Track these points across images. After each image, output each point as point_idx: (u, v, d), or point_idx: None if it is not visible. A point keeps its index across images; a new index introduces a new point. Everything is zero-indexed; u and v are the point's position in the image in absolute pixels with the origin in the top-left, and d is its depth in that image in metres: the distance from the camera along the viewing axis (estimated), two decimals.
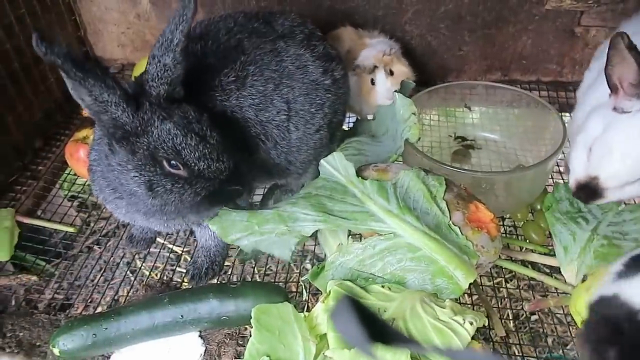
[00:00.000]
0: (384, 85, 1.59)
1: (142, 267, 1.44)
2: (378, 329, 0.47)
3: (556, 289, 1.29)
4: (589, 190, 1.17)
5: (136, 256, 1.48)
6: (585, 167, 1.17)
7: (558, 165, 1.62)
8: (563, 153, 1.57)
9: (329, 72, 1.38)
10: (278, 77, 1.28)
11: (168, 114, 1.03)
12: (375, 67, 1.58)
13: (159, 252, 1.48)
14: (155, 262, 1.46)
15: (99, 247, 1.54)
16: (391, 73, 1.60)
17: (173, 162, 1.03)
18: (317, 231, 1.21)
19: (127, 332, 1.12)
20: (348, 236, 1.25)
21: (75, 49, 1.98)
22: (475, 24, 1.84)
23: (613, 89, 1.16)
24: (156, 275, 1.42)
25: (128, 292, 1.36)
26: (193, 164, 1.03)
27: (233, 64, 1.24)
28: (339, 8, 1.81)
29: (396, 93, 1.44)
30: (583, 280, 1.15)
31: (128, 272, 1.44)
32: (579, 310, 1.13)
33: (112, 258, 1.46)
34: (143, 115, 1.02)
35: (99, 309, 1.30)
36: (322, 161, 1.26)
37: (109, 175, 1.11)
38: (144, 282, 1.36)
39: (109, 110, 1.00)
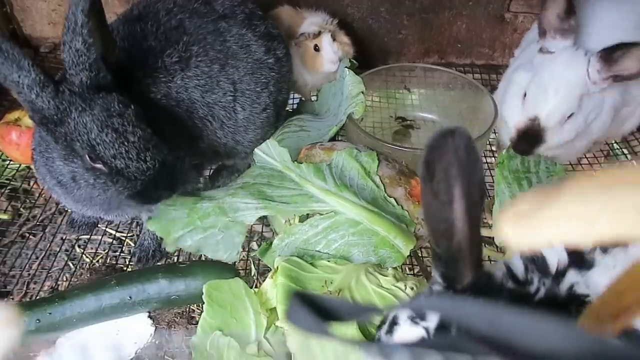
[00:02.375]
0: (330, 48, 1.59)
1: (84, 254, 1.40)
2: (330, 310, 0.49)
3: (489, 257, 1.39)
4: (530, 137, 1.26)
5: (76, 244, 1.44)
6: (522, 112, 1.26)
7: (490, 144, 1.72)
8: (494, 132, 1.67)
9: (271, 51, 1.39)
10: (223, 57, 1.27)
11: (89, 104, 0.96)
12: (320, 32, 1.60)
13: (101, 238, 1.45)
14: (97, 249, 1.42)
15: (34, 236, 1.48)
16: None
17: (92, 156, 0.98)
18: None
19: (73, 315, 1.10)
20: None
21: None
22: (413, 8, 1.90)
23: (541, 33, 1.27)
24: (98, 261, 1.38)
25: (69, 281, 1.32)
26: (109, 162, 0.98)
27: (176, 44, 1.21)
28: None
29: (347, 69, 1.47)
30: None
31: (68, 260, 1.40)
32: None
33: (49, 246, 1.41)
34: (60, 104, 0.96)
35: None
36: (256, 150, 1.27)
37: (47, 161, 1.07)
38: (88, 267, 1.33)
39: (22, 92, 0.95)
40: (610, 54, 1.20)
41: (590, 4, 1.43)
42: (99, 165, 0.99)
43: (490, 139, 1.72)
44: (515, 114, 1.29)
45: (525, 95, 1.27)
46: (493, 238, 1.38)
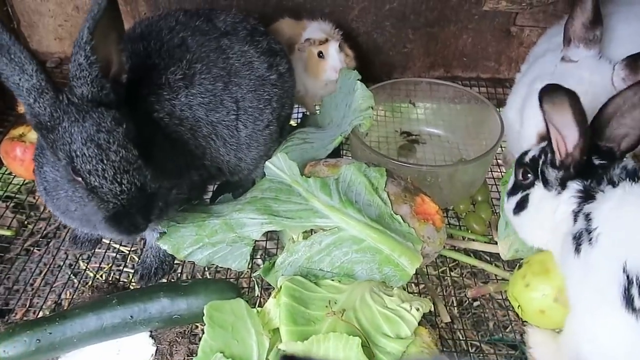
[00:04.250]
0: (336, 56, 1.59)
1: (87, 269, 1.39)
2: None
3: (496, 275, 1.37)
4: None
5: (80, 258, 1.43)
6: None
7: (497, 159, 1.71)
8: (501, 147, 1.66)
9: (274, 67, 1.39)
10: (226, 75, 1.27)
11: (82, 116, 0.97)
12: (327, 39, 1.59)
13: (105, 252, 1.44)
14: (100, 264, 1.42)
15: (39, 250, 1.47)
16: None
17: (73, 167, 0.97)
18: None
19: (73, 335, 1.09)
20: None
21: None
22: (418, 22, 1.90)
23: (566, 40, 1.27)
24: (101, 276, 1.37)
25: (72, 296, 1.31)
26: (84, 176, 0.97)
27: (179, 62, 1.22)
28: (286, 5, 1.82)
29: (359, 82, 1.46)
30: (519, 268, 1.23)
31: (71, 274, 1.39)
32: (516, 295, 1.20)
33: (53, 260, 1.41)
34: (55, 111, 0.97)
35: (41, 314, 1.25)
36: (267, 163, 1.27)
37: (38, 165, 1.08)
38: (89, 284, 1.32)
39: (21, 95, 0.96)
40: (635, 61, 1.19)
41: (610, 13, 1.42)
42: (79, 179, 0.98)
43: (497, 153, 1.71)
44: (541, 122, 1.26)
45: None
46: (496, 254, 1.36)
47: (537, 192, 1.10)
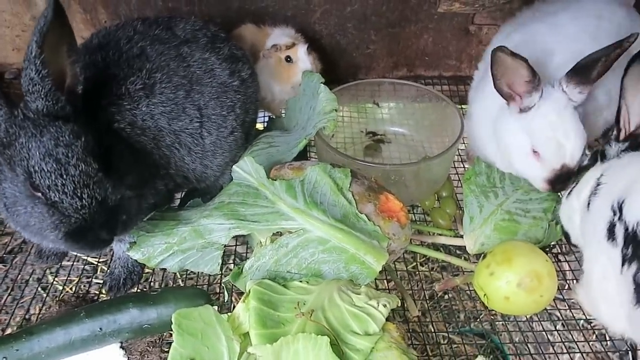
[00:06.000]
0: (306, 59, 1.60)
1: (55, 282, 1.37)
2: None
3: (463, 268, 1.41)
4: (562, 178, 1.28)
5: (47, 271, 1.41)
6: (544, 167, 1.28)
7: (459, 155, 1.75)
8: (463, 142, 1.70)
9: (236, 73, 1.39)
10: (188, 83, 1.27)
11: (39, 131, 0.96)
12: (294, 43, 1.60)
13: (72, 264, 1.42)
14: (69, 276, 1.40)
15: (4, 265, 1.45)
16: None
17: (32, 183, 0.96)
18: None
19: (41, 351, 1.07)
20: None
21: None
22: (380, 23, 1.93)
23: (508, 97, 1.29)
24: (71, 289, 1.36)
25: (40, 310, 1.29)
26: (44, 191, 0.96)
27: (139, 72, 1.21)
28: (249, 9, 1.83)
29: (322, 85, 1.48)
30: (483, 258, 1.27)
31: (39, 288, 1.37)
32: (481, 284, 1.24)
33: (20, 275, 1.39)
34: (10, 127, 0.96)
35: (9, 330, 1.23)
36: (234, 167, 1.28)
37: None
38: (57, 298, 1.30)
39: None
40: (577, 73, 1.24)
41: (546, 20, 1.47)
42: (38, 194, 0.97)
43: (460, 149, 1.75)
44: (537, 169, 1.30)
45: (534, 152, 1.28)
46: (464, 247, 1.40)
47: (590, 171, 1.22)
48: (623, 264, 0.99)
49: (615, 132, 1.17)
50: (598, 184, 1.12)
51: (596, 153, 1.24)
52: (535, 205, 1.42)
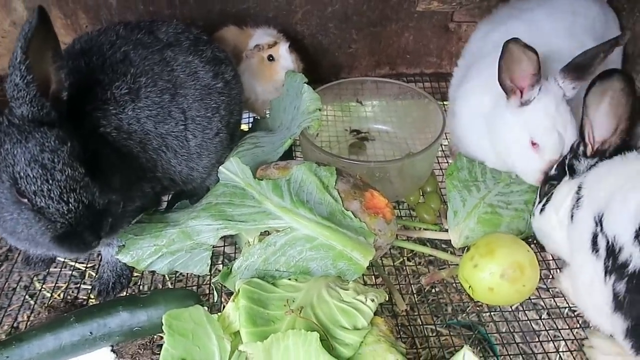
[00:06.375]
0: (287, 57, 1.61)
1: (43, 289, 1.37)
2: None
3: (449, 261, 1.44)
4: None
5: (35, 278, 1.40)
6: (542, 159, 1.31)
7: (443, 150, 1.78)
8: (446, 138, 1.73)
9: (219, 75, 1.40)
10: (172, 86, 1.28)
11: (25, 137, 0.96)
12: (276, 42, 1.62)
13: (60, 271, 1.42)
14: (57, 282, 1.40)
15: None
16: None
17: (17, 189, 0.96)
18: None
19: (31, 357, 1.08)
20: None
21: None
22: (361, 22, 1.95)
23: (510, 91, 1.32)
24: (59, 295, 1.36)
25: (29, 318, 1.29)
26: (30, 197, 0.96)
27: (124, 76, 1.21)
28: (230, 11, 1.83)
29: (306, 85, 1.49)
30: (467, 251, 1.30)
31: (27, 296, 1.36)
32: (466, 277, 1.27)
33: (7, 283, 1.38)
34: None
35: None
36: (220, 168, 1.29)
37: None
38: (46, 304, 1.30)
39: None
40: (571, 69, 1.28)
41: (522, 18, 1.50)
42: (25, 200, 0.97)
43: (443, 145, 1.78)
44: (535, 161, 1.33)
45: (533, 144, 1.31)
46: (449, 241, 1.43)
47: (561, 186, 1.25)
48: (606, 275, 1.04)
49: (582, 148, 1.20)
50: (579, 197, 1.15)
51: (563, 165, 1.26)
52: (517, 197, 1.45)
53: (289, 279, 1.14)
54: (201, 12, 1.82)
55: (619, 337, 1.04)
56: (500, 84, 1.31)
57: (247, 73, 1.64)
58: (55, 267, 1.43)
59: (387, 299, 1.15)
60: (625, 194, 1.04)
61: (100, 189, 1.02)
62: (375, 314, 1.08)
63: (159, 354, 1.14)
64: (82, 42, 1.27)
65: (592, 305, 1.12)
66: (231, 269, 1.20)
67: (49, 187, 0.95)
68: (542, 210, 1.30)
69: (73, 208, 0.97)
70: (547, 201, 1.29)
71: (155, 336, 1.21)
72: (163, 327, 1.01)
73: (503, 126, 1.37)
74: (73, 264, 1.44)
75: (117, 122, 1.18)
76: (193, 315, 1.04)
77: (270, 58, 1.62)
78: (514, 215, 1.40)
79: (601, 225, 1.06)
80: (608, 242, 1.03)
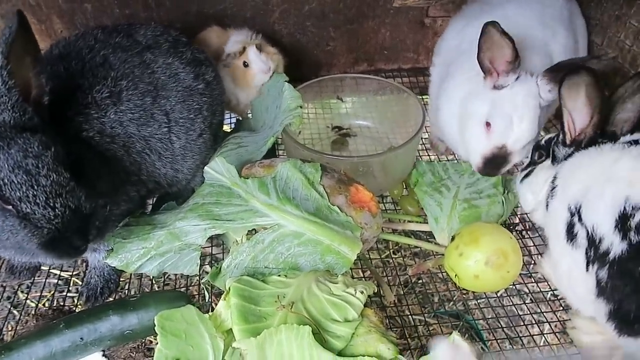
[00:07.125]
0: (257, 59, 1.61)
1: (27, 299, 1.35)
2: None
3: (435, 252, 1.47)
4: (497, 161, 1.35)
5: (18, 289, 1.38)
6: (487, 142, 1.34)
7: (423, 144, 1.81)
8: (426, 131, 1.76)
9: (200, 77, 1.40)
10: (154, 89, 1.28)
11: (7, 143, 0.94)
12: (244, 48, 1.62)
13: (45, 280, 1.40)
14: (42, 292, 1.38)
15: None
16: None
17: (2, 196, 0.95)
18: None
19: None
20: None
21: None
22: (338, 20, 1.97)
23: (487, 71, 1.34)
24: (44, 304, 1.34)
25: (14, 329, 1.27)
26: (15, 204, 0.95)
27: (104, 80, 1.20)
28: (208, 12, 1.83)
29: (286, 83, 1.50)
30: (452, 240, 1.32)
31: (11, 307, 1.34)
32: (452, 265, 1.30)
33: None
34: None
35: None
36: (206, 168, 1.29)
37: None
38: (33, 313, 1.28)
39: None
40: (555, 73, 1.30)
41: (495, 13, 1.54)
42: (9, 207, 0.96)
43: (423, 138, 1.81)
44: (480, 142, 1.36)
45: (487, 124, 1.34)
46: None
47: (543, 166, 1.28)
48: (588, 264, 1.07)
49: (562, 136, 1.23)
50: (554, 187, 1.18)
51: (548, 145, 1.29)
52: (484, 183, 1.50)
53: (279, 275, 1.15)
54: (178, 14, 1.81)
55: (602, 320, 1.08)
56: (479, 63, 1.34)
57: (227, 80, 1.65)
58: (39, 277, 1.41)
59: (375, 291, 1.17)
60: (602, 185, 1.07)
61: (86, 193, 1.01)
62: (364, 306, 1.10)
63: (151, 357, 1.15)
64: (60, 47, 1.26)
65: (574, 292, 1.16)
66: (220, 268, 1.21)
67: (34, 192, 0.94)
68: (521, 181, 1.33)
69: (60, 213, 0.96)
70: (527, 176, 1.31)
71: (146, 339, 1.21)
72: (156, 328, 1.01)
73: (470, 97, 1.40)
74: (57, 272, 1.42)
75: (100, 126, 1.18)
76: (185, 315, 1.04)
77: (245, 64, 1.63)
78: (489, 202, 1.44)
79: (579, 215, 1.08)
80: (588, 233, 1.06)
